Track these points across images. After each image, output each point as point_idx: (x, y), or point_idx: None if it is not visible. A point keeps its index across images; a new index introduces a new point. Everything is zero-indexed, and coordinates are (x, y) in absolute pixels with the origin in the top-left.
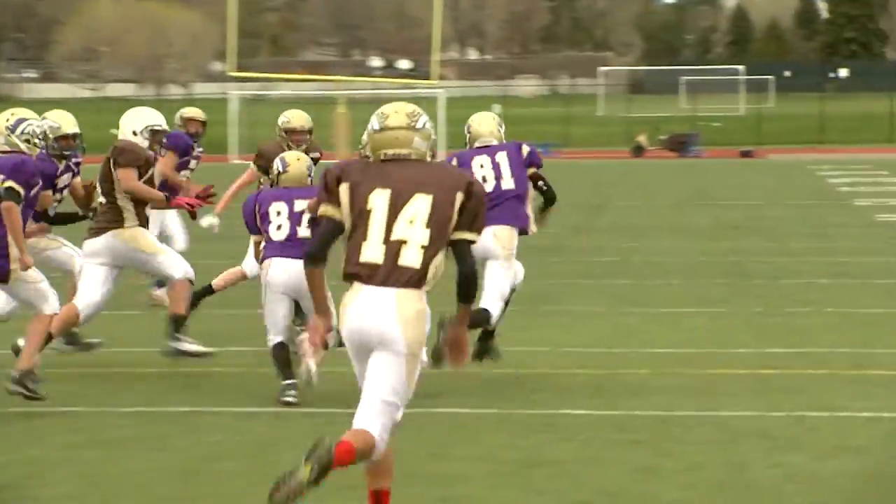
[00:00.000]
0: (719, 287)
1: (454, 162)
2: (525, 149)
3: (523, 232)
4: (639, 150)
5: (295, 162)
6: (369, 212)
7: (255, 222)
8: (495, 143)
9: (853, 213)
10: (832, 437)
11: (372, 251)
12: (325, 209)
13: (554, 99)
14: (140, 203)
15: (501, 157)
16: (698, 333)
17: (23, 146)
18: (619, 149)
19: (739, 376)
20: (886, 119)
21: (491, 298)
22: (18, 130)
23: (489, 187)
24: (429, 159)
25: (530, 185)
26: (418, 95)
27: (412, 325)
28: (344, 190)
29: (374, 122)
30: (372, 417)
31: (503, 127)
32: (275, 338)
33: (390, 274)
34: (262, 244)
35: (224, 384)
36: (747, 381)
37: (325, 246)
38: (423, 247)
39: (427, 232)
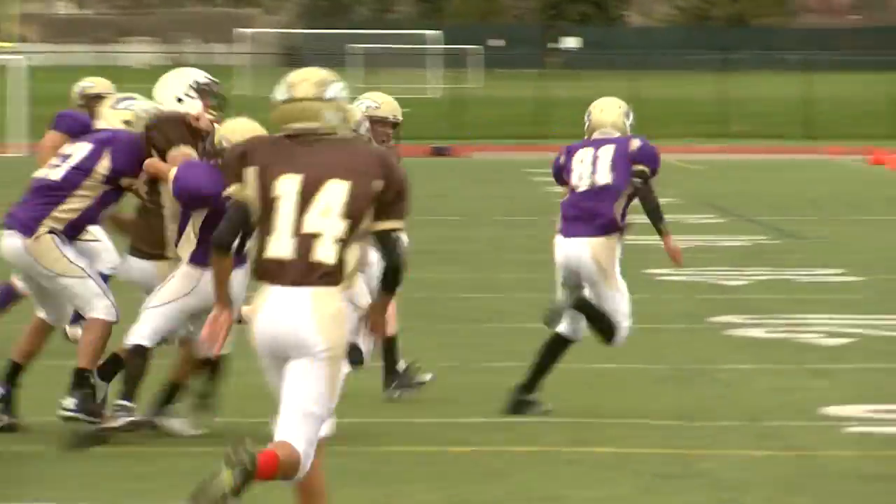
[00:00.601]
0: (400, 333)
1: (562, 158)
2: (635, 142)
3: (614, 229)
4: None
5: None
6: (277, 200)
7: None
8: (617, 135)
9: None
10: None
11: (281, 245)
12: (233, 189)
13: None
14: None
15: (605, 151)
16: (369, 396)
17: None
18: None
19: (421, 455)
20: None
21: (616, 321)
22: None
23: (582, 187)
24: (347, 134)
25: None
26: None
27: (331, 326)
28: (251, 173)
29: (279, 92)
30: (294, 431)
31: (631, 118)
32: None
33: (302, 271)
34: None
35: None
36: (433, 462)
37: (232, 232)
38: (338, 240)
39: (343, 223)
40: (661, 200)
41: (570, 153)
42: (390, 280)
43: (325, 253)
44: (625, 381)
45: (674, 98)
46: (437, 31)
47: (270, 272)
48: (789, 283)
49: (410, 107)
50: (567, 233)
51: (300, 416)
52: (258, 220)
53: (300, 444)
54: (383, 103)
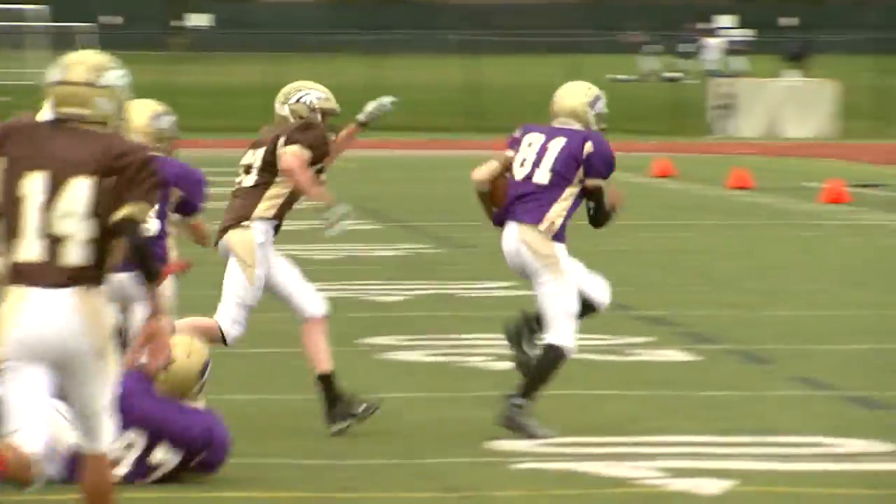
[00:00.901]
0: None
1: (518, 133)
2: (588, 146)
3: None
4: None
5: None
6: (22, 199)
7: None
8: (577, 127)
9: None
10: None
11: (29, 248)
12: None
13: None
14: None
15: (555, 145)
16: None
17: None
18: None
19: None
20: (258, 96)
21: (555, 327)
22: None
23: (520, 174)
24: (116, 123)
25: (575, 191)
26: None
27: (99, 328)
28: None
29: (54, 73)
30: (95, 436)
31: (598, 108)
32: None
33: (56, 274)
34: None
35: None
36: None
37: None
38: (92, 241)
39: (93, 223)
40: (304, 205)
41: (526, 130)
42: (142, 264)
43: (76, 256)
44: (261, 414)
45: None
46: (41, 7)
47: (25, 275)
48: (452, 298)
49: (8, 94)
50: (508, 216)
51: (95, 420)
52: (5, 217)
53: (104, 443)
54: (329, 94)
